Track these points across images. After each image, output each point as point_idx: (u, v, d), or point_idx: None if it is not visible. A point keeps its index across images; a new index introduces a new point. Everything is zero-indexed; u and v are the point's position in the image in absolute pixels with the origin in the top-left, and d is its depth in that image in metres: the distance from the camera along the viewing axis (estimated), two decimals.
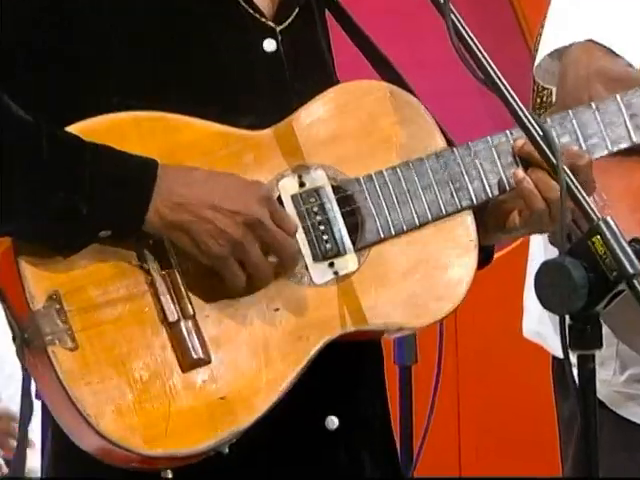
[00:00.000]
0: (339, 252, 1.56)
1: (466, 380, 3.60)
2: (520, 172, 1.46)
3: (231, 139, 1.49)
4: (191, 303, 1.49)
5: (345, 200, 1.56)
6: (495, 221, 1.52)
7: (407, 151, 1.56)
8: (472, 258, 1.55)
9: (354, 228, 1.55)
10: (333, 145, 1.54)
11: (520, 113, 1.34)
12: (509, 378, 3.64)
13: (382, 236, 1.58)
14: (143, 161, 1.40)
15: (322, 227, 1.54)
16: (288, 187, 1.53)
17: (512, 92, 1.32)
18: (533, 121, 1.32)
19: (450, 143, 1.57)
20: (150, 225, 1.43)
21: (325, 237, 1.54)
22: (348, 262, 1.56)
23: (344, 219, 1.55)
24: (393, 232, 1.58)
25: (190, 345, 1.48)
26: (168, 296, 1.47)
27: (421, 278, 1.56)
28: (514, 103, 1.34)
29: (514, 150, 1.48)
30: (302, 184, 1.55)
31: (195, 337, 1.48)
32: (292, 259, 1.48)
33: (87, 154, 1.31)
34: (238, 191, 1.44)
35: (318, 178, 1.55)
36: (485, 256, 1.55)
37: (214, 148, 1.49)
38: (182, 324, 1.48)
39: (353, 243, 1.55)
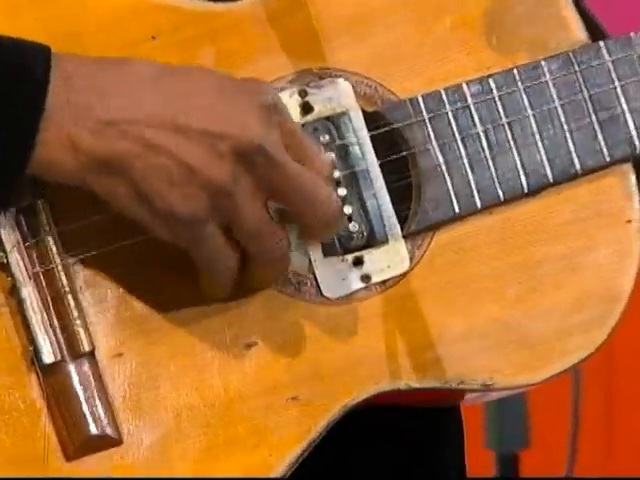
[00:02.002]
0: (373, 240, 1.16)
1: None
2: None
3: (181, 17, 1.13)
4: (88, 331, 1.11)
5: (388, 142, 1.17)
6: None
7: (507, 47, 1.21)
8: (634, 252, 1.17)
9: (403, 196, 1.17)
10: (366, 33, 1.18)
11: None
12: None
13: (457, 212, 1.17)
14: (27, 47, 1.04)
15: (342, 192, 1.15)
16: None
17: None
18: None
19: (597, 34, 1.22)
20: (44, 166, 1.02)
21: (348, 211, 1.16)
22: (391, 258, 1.16)
23: (385, 179, 1.17)
24: (478, 205, 1.18)
25: (86, 411, 1.11)
26: (44, 316, 1.10)
27: (533, 288, 1.18)
28: None
29: None
30: (308, 107, 1.16)
31: (96, 398, 1.11)
32: (331, 227, 1.08)
33: None
34: (220, 96, 1.03)
35: (338, 95, 1.16)
36: None
37: (148, 32, 1.12)
38: (70, 370, 1.10)
39: (401, 224, 1.16)
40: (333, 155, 1.17)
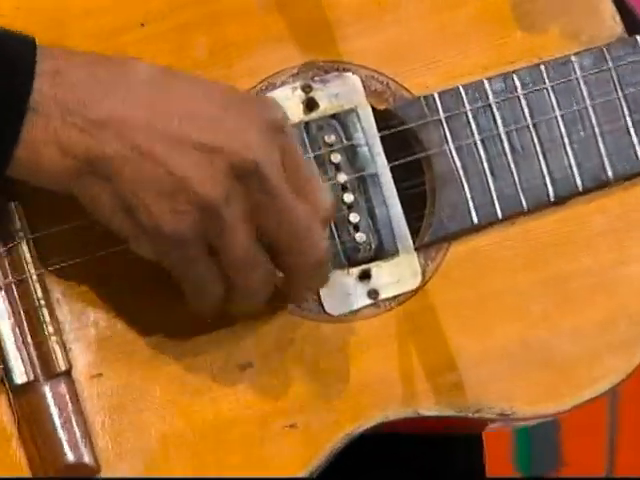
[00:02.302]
0: (382, 252, 1.09)
1: None
2: None
3: (173, 1, 1.06)
4: (65, 349, 1.04)
5: (400, 143, 1.10)
6: None
7: (533, 40, 1.13)
8: None
9: (415, 203, 1.11)
10: (378, 23, 1.10)
11: None
12: None
13: (475, 221, 1.10)
14: (11, 38, 0.97)
15: (349, 198, 1.09)
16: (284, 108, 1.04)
17: None
18: None
19: (635, 27, 1.14)
20: (26, 165, 0.95)
21: (354, 219, 1.09)
22: (401, 272, 1.09)
23: (396, 184, 1.10)
24: (499, 214, 1.11)
25: (61, 437, 1.02)
26: (16, 332, 1.02)
27: (560, 305, 1.09)
28: None
29: None
30: (312, 103, 1.09)
31: (73, 422, 1.03)
32: (313, 277, 1.02)
33: None
34: (222, 109, 0.97)
35: (346, 91, 1.09)
36: None
37: (136, 19, 1.05)
38: (45, 392, 1.02)
39: (413, 234, 1.10)
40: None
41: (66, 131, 0.98)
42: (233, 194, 0.98)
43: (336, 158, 1.14)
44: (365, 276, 1.12)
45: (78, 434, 1.07)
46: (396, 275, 1.11)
